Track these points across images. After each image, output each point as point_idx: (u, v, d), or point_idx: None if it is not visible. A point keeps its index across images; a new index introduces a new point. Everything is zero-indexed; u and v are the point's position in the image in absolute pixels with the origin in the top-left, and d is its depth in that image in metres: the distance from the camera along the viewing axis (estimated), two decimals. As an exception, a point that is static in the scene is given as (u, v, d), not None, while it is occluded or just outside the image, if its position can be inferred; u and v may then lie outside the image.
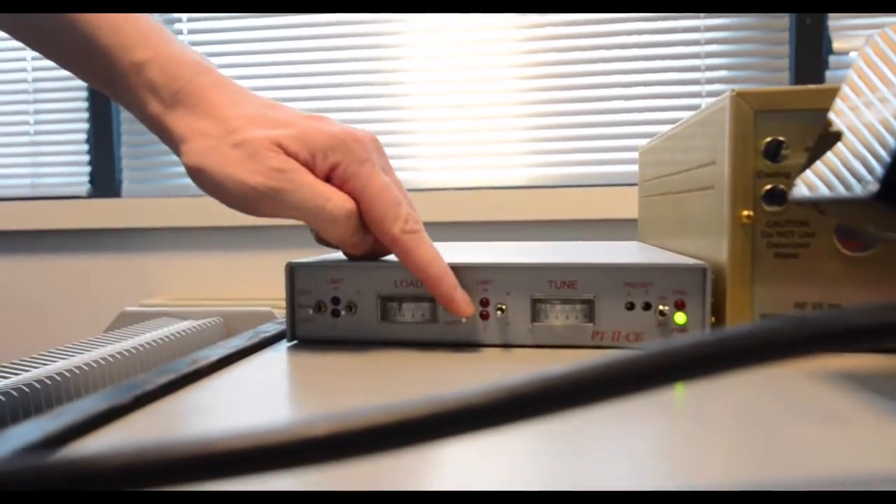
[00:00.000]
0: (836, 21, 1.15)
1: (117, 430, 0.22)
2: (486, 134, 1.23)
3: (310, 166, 0.34)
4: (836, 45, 1.15)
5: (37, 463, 0.14)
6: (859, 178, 0.23)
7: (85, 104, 1.34)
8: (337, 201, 0.33)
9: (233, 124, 0.34)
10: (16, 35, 0.38)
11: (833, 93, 0.28)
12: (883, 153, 0.22)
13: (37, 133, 1.35)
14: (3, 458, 0.18)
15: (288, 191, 0.33)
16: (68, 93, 1.34)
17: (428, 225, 1.31)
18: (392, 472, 0.18)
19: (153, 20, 0.37)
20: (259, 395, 0.27)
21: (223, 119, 0.34)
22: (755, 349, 0.16)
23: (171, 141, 0.35)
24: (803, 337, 0.16)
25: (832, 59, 1.15)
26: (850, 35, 1.15)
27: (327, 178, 0.34)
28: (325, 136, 0.34)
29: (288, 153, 0.33)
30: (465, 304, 0.34)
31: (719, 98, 0.34)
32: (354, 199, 0.34)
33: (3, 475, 0.14)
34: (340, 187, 0.34)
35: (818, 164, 0.27)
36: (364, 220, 0.34)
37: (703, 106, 0.37)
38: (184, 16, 1.30)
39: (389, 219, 0.33)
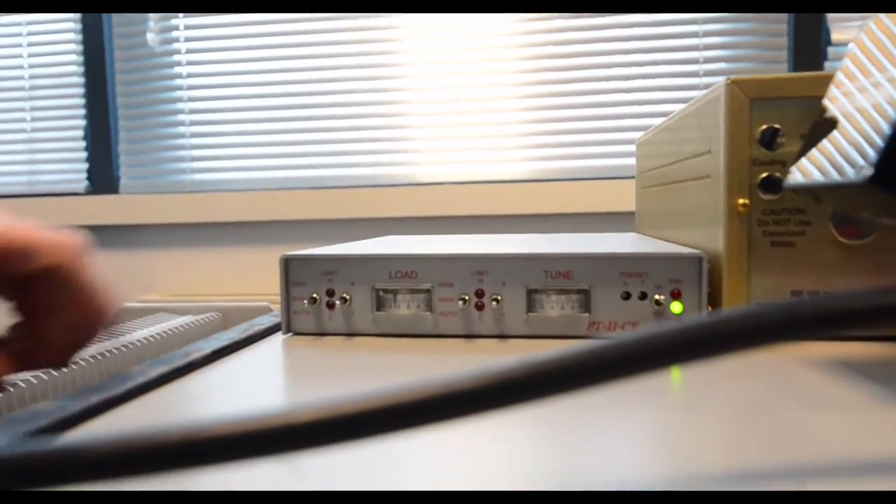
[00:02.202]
0: (834, 12, 1.14)
1: (110, 421, 0.22)
2: (484, 128, 1.23)
3: None
4: (835, 36, 1.14)
5: (26, 451, 0.14)
6: (854, 164, 0.23)
7: (82, 101, 1.33)
8: None
9: None
10: None
11: (828, 79, 0.28)
12: (877, 138, 0.22)
13: (34, 130, 1.35)
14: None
15: None
16: (65, 89, 1.34)
17: (426, 219, 1.31)
18: (389, 472, 0.18)
19: None
20: (253, 387, 0.27)
21: None
22: (744, 333, 0.16)
23: None
24: (793, 320, 0.16)
25: (831, 50, 1.15)
26: (848, 26, 1.14)
27: None
28: None
29: None
30: None
31: (714, 86, 0.34)
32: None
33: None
34: None
35: (813, 150, 0.26)
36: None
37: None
38: (180, 14, 1.30)
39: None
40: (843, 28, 1.14)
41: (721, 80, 0.33)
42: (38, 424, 0.20)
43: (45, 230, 0.26)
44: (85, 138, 1.34)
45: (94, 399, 0.23)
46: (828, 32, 1.15)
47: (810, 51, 1.15)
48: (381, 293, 0.35)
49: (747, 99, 0.32)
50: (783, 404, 0.23)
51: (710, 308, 0.33)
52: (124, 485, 0.16)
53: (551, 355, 0.15)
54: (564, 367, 0.14)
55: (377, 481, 0.17)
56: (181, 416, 0.23)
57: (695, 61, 1.17)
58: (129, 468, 0.14)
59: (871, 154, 0.22)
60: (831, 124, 0.26)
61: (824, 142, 0.26)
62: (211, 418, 0.14)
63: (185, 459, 0.14)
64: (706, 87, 1.15)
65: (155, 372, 0.27)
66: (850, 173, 0.23)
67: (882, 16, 0.28)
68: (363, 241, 0.48)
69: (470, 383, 0.14)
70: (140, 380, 0.25)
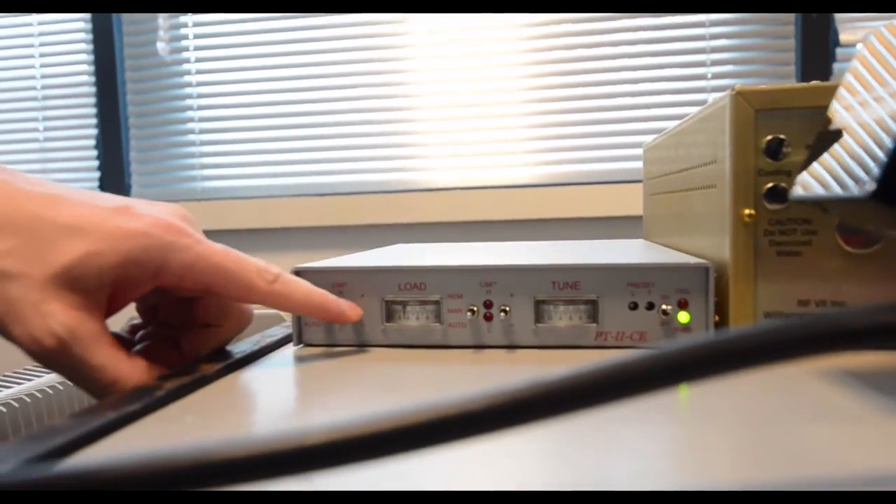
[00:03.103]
0: (842, 13, 1.14)
1: (128, 437, 0.23)
2: (491, 133, 1.23)
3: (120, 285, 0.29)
4: (843, 37, 1.14)
5: (45, 474, 0.14)
6: (857, 178, 0.23)
7: (94, 110, 1.35)
8: (125, 384, 0.29)
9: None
10: None
11: (833, 90, 0.28)
12: (879, 152, 0.22)
13: (46, 140, 1.36)
14: (14, 468, 0.19)
15: (63, 374, 0.29)
16: (77, 98, 1.35)
17: (435, 225, 1.31)
18: (397, 473, 0.18)
19: None
20: (267, 400, 0.27)
21: None
22: (757, 351, 0.16)
23: None
24: (807, 338, 0.16)
25: (839, 51, 1.14)
26: (856, 27, 1.14)
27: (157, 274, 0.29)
28: (127, 245, 0.29)
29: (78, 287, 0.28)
30: (353, 310, 0.34)
31: (720, 96, 0.34)
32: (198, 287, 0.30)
33: (14, 485, 0.14)
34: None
35: (817, 162, 0.27)
36: (223, 296, 0.32)
37: (709, 102, 0.37)
38: (189, 18, 1.31)
39: (251, 282, 0.31)
40: (851, 29, 1.14)
41: (729, 83, 0.33)
42: (57, 442, 0.21)
43: (255, 267, 0.31)
44: (97, 147, 1.35)
45: (112, 415, 0.23)
46: (836, 34, 1.14)
47: (818, 53, 1.15)
48: (390, 305, 0.35)
49: (752, 110, 0.33)
50: (793, 416, 0.23)
51: (717, 317, 0.33)
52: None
53: (562, 375, 0.15)
54: (574, 387, 0.15)
55: (389, 482, 0.17)
56: (198, 433, 0.23)
57: (702, 64, 1.17)
58: (142, 491, 0.14)
59: (875, 169, 0.22)
60: (836, 136, 0.27)
61: (828, 155, 0.26)
62: (224, 440, 0.14)
63: (198, 482, 0.14)
64: (713, 90, 1.15)
65: (171, 385, 0.27)
66: (854, 187, 0.23)
67: (883, 29, 0.28)
68: (372, 252, 0.48)
69: (481, 404, 0.14)
70: (156, 394, 0.26)
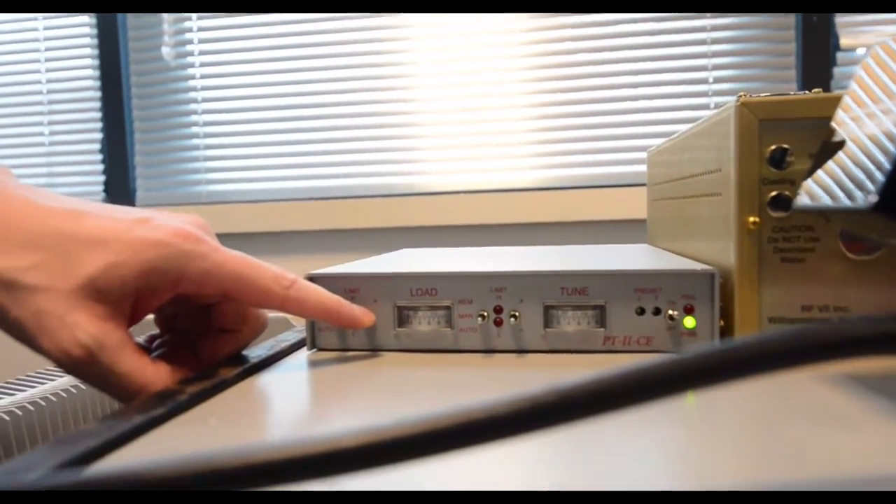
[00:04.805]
0: (842, 17, 1.15)
1: (156, 440, 0.23)
2: (494, 137, 1.24)
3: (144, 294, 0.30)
4: (844, 41, 1.15)
5: (81, 478, 0.15)
6: (862, 188, 0.24)
7: (98, 114, 1.36)
8: (151, 389, 0.29)
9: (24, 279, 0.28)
10: None
11: (836, 101, 0.29)
12: (886, 163, 0.23)
13: (52, 144, 1.37)
14: (45, 473, 0.19)
15: (91, 383, 0.30)
16: (82, 103, 1.36)
17: (437, 229, 1.31)
18: (400, 472, 0.19)
19: None
20: (286, 404, 0.28)
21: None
22: (761, 360, 0.17)
23: None
24: (806, 348, 0.17)
25: (840, 55, 1.15)
26: (857, 31, 1.15)
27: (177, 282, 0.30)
28: (147, 255, 0.29)
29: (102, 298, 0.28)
30: (366, 315, 0.35)
31: (725, 106, 0.35)
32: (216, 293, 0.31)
33: (47, 490, 0.15)
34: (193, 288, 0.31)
35: (821, 172, 0.27)
36: (240, 302, 0.33)
37: (711, 106, 0.38)
38: (193, 15, 1.32)
39: (268, 288, 0.32)
40: (852, 33, 1.15)
41: (730, 87, 0.34)
42: (88, 446, 0.21)
43: (271, 273, 0.32)
44: (102, 151, 1.36)
45: (139, 419, 0.24)
46: (836, 38, 1.15)
47: (819, 57, 1.15)
48: (402, 310, 0.36)
49: (756, 120, 0.33)
50: (796, 420, 0.24)
51: (722, 323, 0.34)
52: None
53: (581, 381, 0.16)
54: (594, 393, 0.16)
55: (399, 482, 0.18)
56: (223, 434, 0.24)
57: (704, 69, 1.18)
58: (188, 491, 0.15)
59: (878, 180, 0.23)
60: (839, 146, 0.27)
61: (833, 165, 0.27)
62: (265, 443, 0.15)
63: (241, 483, 0.15)
64: (715, 94, 1.16)
65: (192, 389, 0.28)
66: (858, 198, 0.24)
67: (890, 41, 0.29)
68: (382, 257, 0.49)
69: (505, 409, 0.15)
70: (179, 398, 0.27)
